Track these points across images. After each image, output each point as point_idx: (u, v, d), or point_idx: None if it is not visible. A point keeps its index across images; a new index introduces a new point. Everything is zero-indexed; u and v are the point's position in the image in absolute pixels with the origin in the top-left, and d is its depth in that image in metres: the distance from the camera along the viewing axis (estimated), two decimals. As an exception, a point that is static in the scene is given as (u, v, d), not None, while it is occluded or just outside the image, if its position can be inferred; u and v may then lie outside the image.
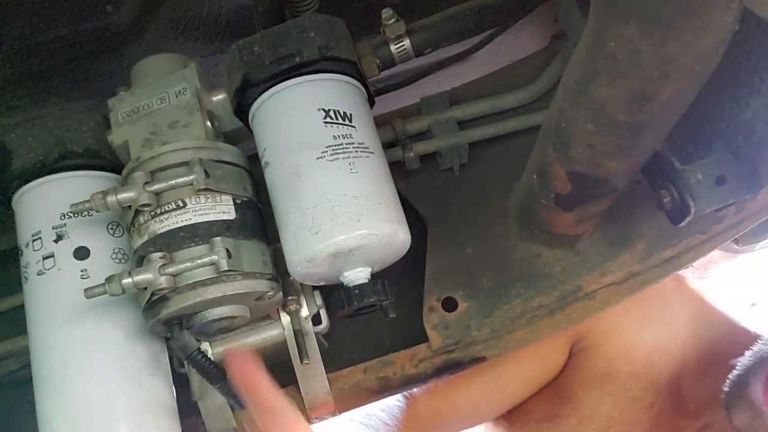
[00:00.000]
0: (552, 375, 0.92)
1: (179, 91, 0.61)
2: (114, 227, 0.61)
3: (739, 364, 0.73)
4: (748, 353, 0.75)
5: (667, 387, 0.87)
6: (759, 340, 0.78)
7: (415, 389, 0.92)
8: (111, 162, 0.63)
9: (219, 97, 0.63)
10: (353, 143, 0.57)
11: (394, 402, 0.92)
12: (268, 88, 0.58)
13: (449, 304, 0.71)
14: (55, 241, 0.58)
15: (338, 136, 0.56)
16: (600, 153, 0.50)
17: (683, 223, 0.62)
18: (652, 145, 0.51)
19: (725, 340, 0.89)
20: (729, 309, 0.93)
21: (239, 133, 0.65)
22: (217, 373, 0.55)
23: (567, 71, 0.49)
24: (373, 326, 0.77)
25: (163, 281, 0.52)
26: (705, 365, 0.88)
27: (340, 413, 0.70)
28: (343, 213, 0.54)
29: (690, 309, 0.90)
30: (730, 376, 0.73)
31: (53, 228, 0.59)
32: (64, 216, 0.59)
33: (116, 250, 0.60)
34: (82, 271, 0.57)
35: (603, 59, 0.42)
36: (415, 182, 0.76)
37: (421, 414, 0.91)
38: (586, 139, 0.49)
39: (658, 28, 0.37)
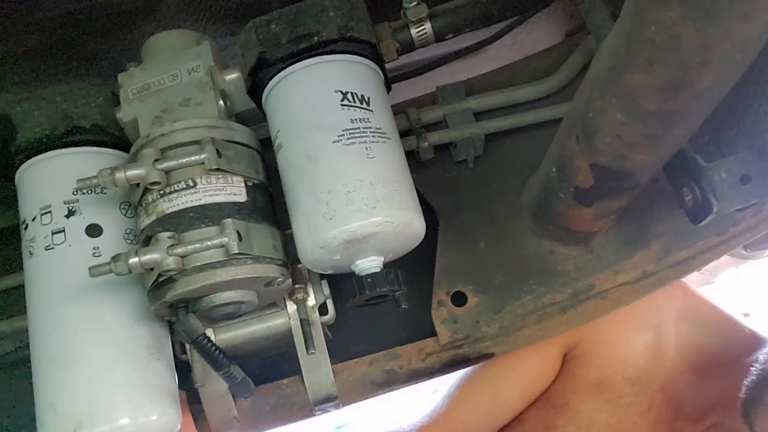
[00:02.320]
0: (546, 386, 0.90)
1: (192, 69, 0.59)
2: (126, 207, 0.59)
3: (754, 368, 0.71)
4: (762, 357, 0.73)
5: (661, 392, 0.85)
6: None
7: (406, 427, 0.89)
8: (119, 139, 0.61)
9: (232, 76, 0.61)
10: (370, 128, 0.55)
11: None
12: (285, 68, 0.56)
13: (459, 299, 0.69)
14: (67, 216, 0.57)
15: (355, 119, 0.55)
16: (627, 145, 0.48)
17: (704, 223, 0.60)
18: (682, 138, 0.49)
19: (723, 341, 0.86)
20: (724, 307, 0.90)
21: (251, 114, 0.64)
22: (222, 359, 0.53)
23: (598, 58, 0.48)
24: (378, 319, 0.75)
25: (170, 262, 0.50)
26: (703, 367, 0.86)
27: (343, 406, 0.68)
28: (359, 199, 0.52)
29: (677, 308, 0.88)
30: (746, 381, 0.71)
31: (65, 203, 0.57)
32: (76, 192, 0.58)
33: (128, 231, 0.59)
34: (94, 248, 0.56)
35: (640, 44, 0.40)
36: (428, 173, 0.74)
37: None
38: (614, 130, 0.48)
39: (702, 12, 0.36)
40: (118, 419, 0.52)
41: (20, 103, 0.62)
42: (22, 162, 0.60)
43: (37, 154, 0.60)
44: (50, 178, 0.59)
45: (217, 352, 0.53)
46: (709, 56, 0.38)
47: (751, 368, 0.71)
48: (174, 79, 0.59)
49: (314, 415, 0.68)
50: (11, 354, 0.72)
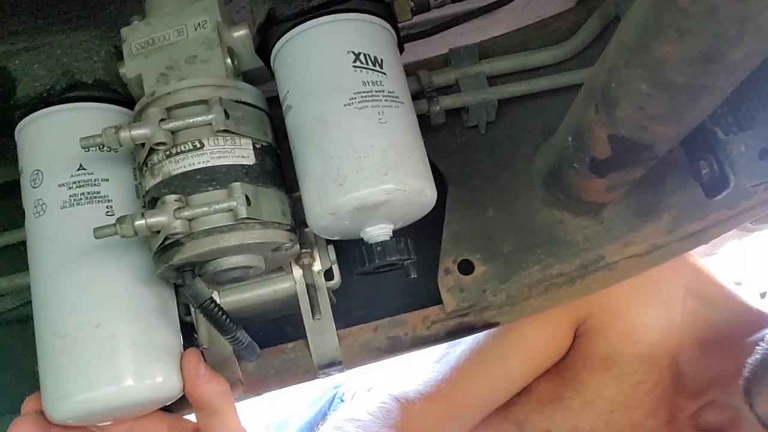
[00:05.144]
0: (555, 360, 0.90)
1: (198, 24, 0.57)
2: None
3: (759, 347, 0.71)
4: None
5: (668, 367, 0.86)
6: None
7: (411, 393, 0.89)
8: (122, 95, 0.59)
9: (240, 32, 0.59)
10: (383, 91, 0.53)
11: (379, 404, 0.89)
12: (295, 26, 0.54)
13: (466, 267, 0.69)
14: None
15: (368, 82, 0.53)
16: (650, 117, 0.47)
17: (719, 197, 0.60)
18: (706, 111, 0.48)
19: (729, 318, 0.87)
20: (728, 284, 0.90)
21: (258, 73, 0.62)
22: (229, 324, 0.53)
23: (623, 26, 0.46)
24: (383, 285, 0.75)
25: (177, 225, 0.49)
26: (706, 344, 0.86)
27: (346, 370, 0.68)
28: (370, 165, 0.51)
29: (685, 284, 0.88)
30: (750, 360, 0.71)
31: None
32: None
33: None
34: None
35: (672, 13, 0.39)
36: (438, 138, 0.72)
37: (417, 421, 0.87)
38: (637, 101, 0.46)
39: (743, -19, 0.34)
40: (123, 381, 0.52)
41: (19, 55, 0.60)
42: (21, 117, 0.58)
43: (37, 110, 0.58)
44: (51, 135, 0.58)
45: (224, 316, 0.52)
46: (745, 28, 0.37)
47: (756, 347, 0.71)
48: (180, 34, 0.57)
49: (318, 378, 0.68)
50: (12, 311, 0.72)
